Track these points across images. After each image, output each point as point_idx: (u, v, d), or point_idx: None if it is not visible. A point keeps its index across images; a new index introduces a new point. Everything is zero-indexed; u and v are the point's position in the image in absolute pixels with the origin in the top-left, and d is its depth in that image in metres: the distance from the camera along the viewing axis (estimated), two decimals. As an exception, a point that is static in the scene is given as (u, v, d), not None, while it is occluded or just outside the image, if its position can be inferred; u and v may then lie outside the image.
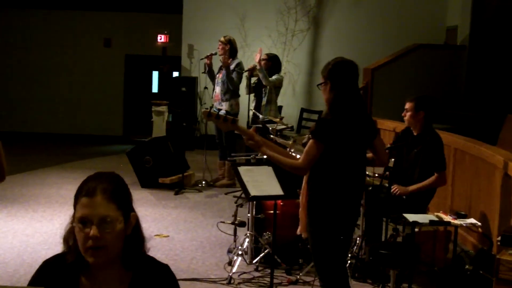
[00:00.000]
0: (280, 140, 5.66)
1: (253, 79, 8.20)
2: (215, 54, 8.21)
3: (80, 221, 1.91)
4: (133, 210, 2.02)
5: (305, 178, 3.60)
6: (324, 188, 3.49)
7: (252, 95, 8.24)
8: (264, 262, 5.12)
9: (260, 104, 8.11)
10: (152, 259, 2.06)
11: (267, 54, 8.27)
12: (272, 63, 8.13)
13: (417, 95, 5.25)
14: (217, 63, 8.29)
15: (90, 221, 1.89)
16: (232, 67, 8.04)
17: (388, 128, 7.87)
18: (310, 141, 3.47)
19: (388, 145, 5.01)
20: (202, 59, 8.52)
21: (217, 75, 8.21)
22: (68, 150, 12.02)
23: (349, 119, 3.49)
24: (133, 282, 1.99)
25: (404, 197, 5.01)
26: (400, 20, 11.64)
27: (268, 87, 7.98)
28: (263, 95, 8.10)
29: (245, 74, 8.19)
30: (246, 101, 8.40)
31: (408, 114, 5.13)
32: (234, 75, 8.04)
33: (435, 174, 4.94)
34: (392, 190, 4.92)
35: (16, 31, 14.21)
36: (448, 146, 5.96)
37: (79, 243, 1.92)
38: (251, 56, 10.99)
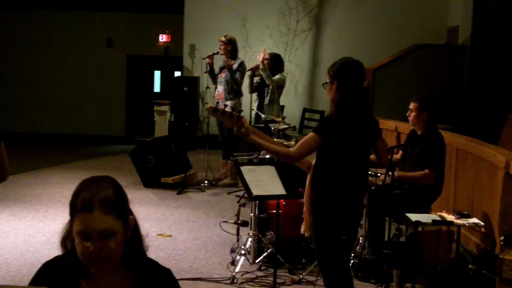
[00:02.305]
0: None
1: (256, 79, 8.21)
2: (217, 53, 8.21)
3: (79, 235, 1.87)
4: (131, 213, 1.98)
5: (308, 177, 3.60)
6: (328, 187, 3.50)
7: (254, 95, 8.25)
8: (267, 262, 5.12)
9: (262, 104, 8.12)
10: (155, 262, 2.04)
11: (269, 54, 8.28)
12: (275, 63, 8.14)
13: (421, 96, 5.28)
14: (218, 62, 8.28)
15: (90, 235, 1.86)
16: (235, 67, 8.03)
17: (390, 128, 7.87)
18: (310, 133, 3.48)
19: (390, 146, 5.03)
20: (204, 58, 8.53)
21: (219, 75, 8.21)
22: (70, 150, 12.03)
23: (354, 119, 3.50)
24: (135, 286, 1.98)
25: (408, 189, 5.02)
26: (402, 20, 11.64)
27: (271, 86, 7.99)
28: (266, 94, 8.12)
29: (248, 73, 8.20)
30: (248, 101, 8.40)
31: (413, 114, 5.18)
32: (237, 75, 8.03)
33: (426, 170, 4.97)
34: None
35: (18, 32, 14.21)
36: (450, 146, 5.96)
37: (80, 255, 1.89)
38: (252, 56, 11.00)
